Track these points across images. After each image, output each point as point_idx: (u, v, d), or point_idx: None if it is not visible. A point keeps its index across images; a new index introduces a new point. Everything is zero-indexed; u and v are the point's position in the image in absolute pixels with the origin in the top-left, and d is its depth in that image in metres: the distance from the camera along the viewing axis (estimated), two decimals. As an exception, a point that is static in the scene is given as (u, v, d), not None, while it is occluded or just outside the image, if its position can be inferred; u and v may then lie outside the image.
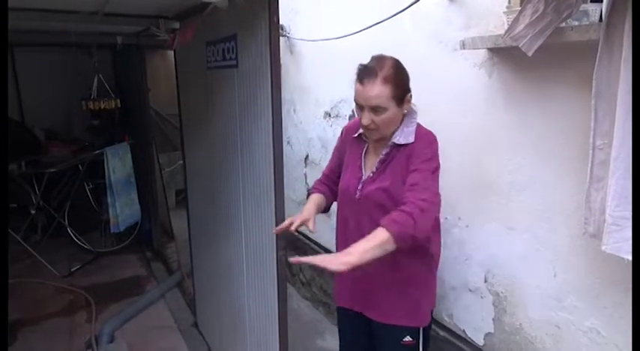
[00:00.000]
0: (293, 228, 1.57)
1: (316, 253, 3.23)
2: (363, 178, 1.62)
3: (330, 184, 1.80)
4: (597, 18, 1.38)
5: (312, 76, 2.98)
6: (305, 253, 3.21)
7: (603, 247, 1.25)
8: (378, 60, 1.53)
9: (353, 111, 2.66)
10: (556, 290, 1.60)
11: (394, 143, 1.55)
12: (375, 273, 1.60)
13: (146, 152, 4.28)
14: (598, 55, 1.23)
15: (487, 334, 1.89)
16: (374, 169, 1.60)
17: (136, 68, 4.08)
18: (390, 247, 1.35)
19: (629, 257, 1.18)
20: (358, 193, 1.61)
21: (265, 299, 2.01)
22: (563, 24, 1.35)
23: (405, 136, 1.54)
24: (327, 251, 2.80)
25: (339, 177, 1.76)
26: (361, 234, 1.44)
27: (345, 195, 1.67)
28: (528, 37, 1.39)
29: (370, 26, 2.25)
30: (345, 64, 2.70)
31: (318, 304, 3.33)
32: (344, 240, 1.67)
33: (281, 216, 1.76)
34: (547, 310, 1.63)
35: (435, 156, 1.53)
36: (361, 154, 1.65)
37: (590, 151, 1.30)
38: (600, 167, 1.28)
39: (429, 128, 1.60)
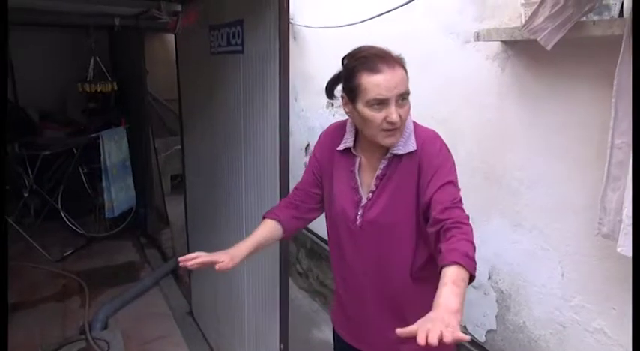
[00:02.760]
0: (191, 263, 1.28)
1: (318, 246, 3.21)
2: (363, 201, 1.35)
3: (301, 208, 1.48)
4: (617, 12, 1.35)
5: (316, 64, 2.93)
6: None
7: (619, 249, 1.22)
8: (370, 48, 1.29)
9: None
10: (563, 289, 1.58)
11: (393, 154, 1.29)
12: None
13: (143, 137, 4.21)
14: (621, 51, 1.20)
15: (489, 331, 1.87)
16: (372, 188, 1.33)
17: (135, 51, 4.00)
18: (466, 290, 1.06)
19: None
20: (359, 220, 1.35)
21: (266, 289, 1.98)
22: (584, 18, 1.32)
23: (404, 143, 1.29)
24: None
25: (318, 200, 1.48)
26: (363, 266, 1.34)
27: (340, 223, 1.39)
28: (547, 30, 1.35)
29: (379, 15, 2.20)
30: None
31: (314, 294, 3.32)
32: (341, 276, 1.48)
33: (284, 191, 1.72)
34: (553, 309, 1.61)
35: (451, 162, 1.30)
36: (353, 171, 1.36)
37: (608, 151, 1.27)
38: (618, 167, 1.25)
39: (434, 123, 1.44)
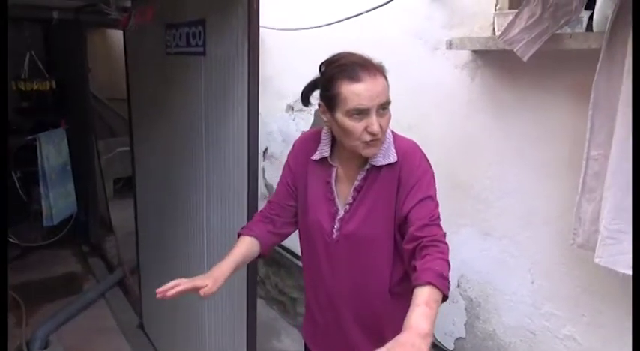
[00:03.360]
0: (172, 292, 1.18)
1: (276, 253, 3.12)
2: (340, 214, 1.29)
3: (277, 222, 1.40)
4: (585, 26, 1.38)
5: (275, 66, 2.84)
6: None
7: (597, 260, 1.24)
8: (350, 54, 1.24)
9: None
10: (533, 297, 1.60)
11: (372, 165, 1.24)
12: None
13: (84, 139, 3.95)
14: (598, 64, 1.21)
15: (458, 339, 1.88)
16: (350, 200, 1.28)
17: (75, 47, 3.73)
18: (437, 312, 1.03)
19: (627, 271, 1.18)
20: (335, 233, 1.29)
21: (231, 302, 1.88)
22: (560, 31, 1.33)
23: (384, 154, 1.24)
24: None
25: (294, 213, 1.40)
26: (339, 280, 1.30)
27: (315, 236, 1.33)
28: (524, 41, 1.36)
29: (344, 19, 2.16)
30: (314, 56, 2.57)
31: (272, 302, 3.23)
32: (314, 289, 1.42)
33: (253, 209, 1.64)
34: (523, 317, 1.63)
35: (430, 175, 1.26)
36: (330, 182, 1.31)
37: (584, 162, 1.29)
38: (593, 178, 1.28)
39: (400, 129, 1.37)
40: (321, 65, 1.28)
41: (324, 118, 1.26)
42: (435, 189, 1.25)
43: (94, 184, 4.08)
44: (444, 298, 1.05)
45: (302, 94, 1.36)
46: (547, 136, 1.51)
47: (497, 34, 1.50)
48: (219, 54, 1.72)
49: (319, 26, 2.36)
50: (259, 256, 1.39)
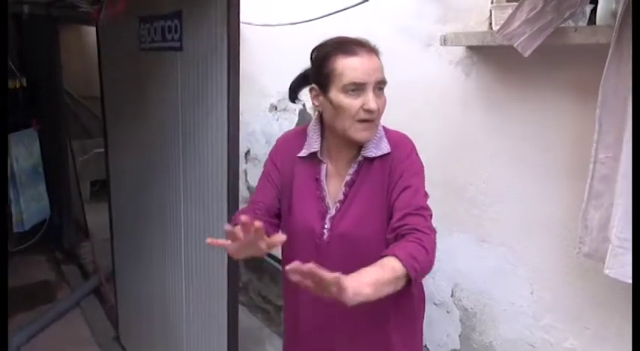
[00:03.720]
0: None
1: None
2: (330, 212, 1.21)
3: (268, 219, 1.25)
4: (587, 20, 1.29)
5: (258, 63, 2.72)
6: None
7: (607, 271, 1.15)
8: (343, 36, 1.20)
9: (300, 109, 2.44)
10: (533, 308, 1.51)
11: (364, 157, 1.19)
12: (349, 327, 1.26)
13: (57, 139, 3.77)
14: (607, 61, 1.12)
15: (452, 351, 1.78)
16: (340, 197, 1.21)
17: (48, 44, 3.56)
18: (399, 286, 0.99)
19: None
20: (326, 234, 1.20)
21: (210, 310, 1.76)
22: (563, 24, 1.24)
23: (376, 145, 1.19)
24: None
25: (277, 214, 1.29)
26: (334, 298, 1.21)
27: (301, 239, 1.22)
28: (525, 36, 1.26)
29: (331, 13, 2.04)
30: (297, 53, 2.45)
31: (255, 309, 3.11)
32: (295, 300, 1.31)
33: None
34: (522, 329, 1.54)
35: (419, 166, 1.21)
36: (319, 179, 1.23)
37: (591, 165, 1.20)
38: (601, 182, 1.19)
39: (396, 128, 1.31)
40: (312, 51, 1.23)
41: (316, 103, 1.20)
42: (424, 181, 1.20)
43: (68, 186, 3.91)
44: (409, 282, 0.99)
45: (290, 88, 1.31)
46: (548, 136, 1.42)
47: (496, 28, 1.41)
48: (196, 49, 1.60)
49: (303, 21, 2.25)
50: None
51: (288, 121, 2.55)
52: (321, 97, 1.18)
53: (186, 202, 1.80)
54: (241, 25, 2.70)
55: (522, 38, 1.26)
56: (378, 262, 0.99)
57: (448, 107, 1.68)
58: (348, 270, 1.14)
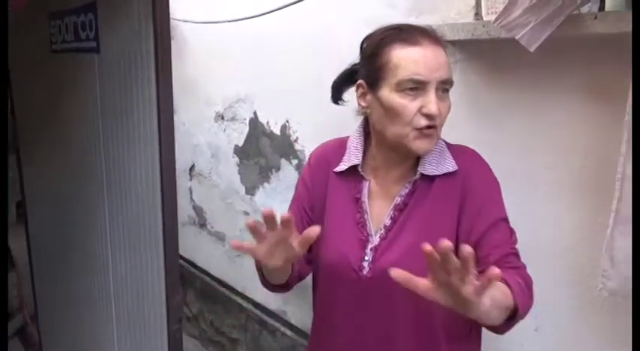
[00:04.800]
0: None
1: (210, 286, 2.66)
2: (373, 240, 0.99)
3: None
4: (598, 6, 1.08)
5: (201, 68, 2.39)
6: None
7: (648, 317, 0.93)
8: (405, 24, 0.99)
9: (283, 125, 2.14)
10: (538, 347, 1.30)
11: (422, 174, 0.97)
12: None
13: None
14: (639, 54, 0.90)
15: (441, 395, 1.54)
16: (387, 222, 0.99)
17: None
18: (503, 317, 0.83)
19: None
20: (367, 267, 0.98)
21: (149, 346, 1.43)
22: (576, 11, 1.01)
23: (437, 160, 0.98)
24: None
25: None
26: (371, 335, 0.95)
27: (335, 274, 1.01)
28: (530, 26, 1.02)
29: (285, 6, 1.77)
30: (247, 54, 2.13)
31: (207, 343, 2.78)
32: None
33: (173, 263, 1.19)
34: (526, 371, 1.32)
35: (501, 193, 1.02)
36: (360, 199, 1.01)
37: (618, 183, 0.97)
38: (631, 204, 0.97)
39: None
40: (363, 41, 1.03)
41: (363, 104, 1.00)
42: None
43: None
44: (512, 318, 0.85)
45: (333, 86, 1.09)
46: (551, 147, 1.20)
47: (487, 18, 1.18)
48: (117, 50, 1.27)
49: (251, 17, 1.96)
50: (285, 285, 1.03)
51: (237, 132, 2.24)
52: (369, 96, 0.98)
53: (112, 232, 1.47)
54: (180, 23, 2.40)
55: (526, 29, 1.02)
56: (497, 285, 0.80)
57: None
58: (397, 315, 0.97)
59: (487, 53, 1.28)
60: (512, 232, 0.98)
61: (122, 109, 1.27)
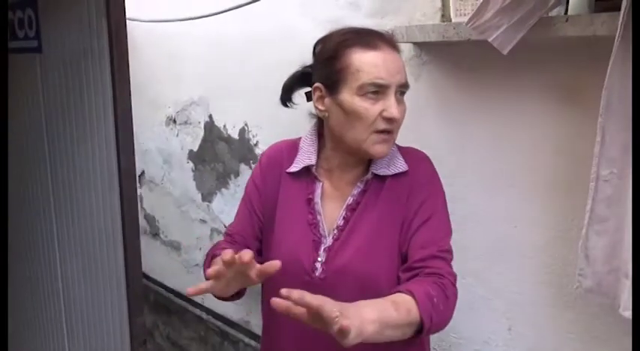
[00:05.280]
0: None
1: (164, 298, 2.53)
2: (326, 241, 0.98)
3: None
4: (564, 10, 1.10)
5: (148, 69, 2.27)
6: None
7: (627, 313, 0.94)
8: (363, 27, 0.99)
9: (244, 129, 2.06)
10: (510, 347, 1.30)
11: (374, 174, 0.98)
12: None
13: None
14: (612, 57, 0.91)
15: (414, 399, 1.52)
16: (340, 223, 0.98)
17: None
18: (408, 334, 0.82)
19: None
20: (320, 268, 0.97)
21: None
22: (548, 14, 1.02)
23: (389, 161, 0.99)
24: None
25: (259, 249, 1.06)
26: (321, 342, 0.90)
27: (288, 275, 0.94)
28: (502, 28, 1.02)
29: (238, 6, 1.69)
30: (201, 55, 2.05)
31: (163, 358, 2.64)
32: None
33: (136, 280, 1.10)
34: (499, 371, 1.33)
35: (443, 195, 1.03)
36: (313, 200, 1.00)
37: (592, 184, 0.99)
38: (605, 204, 0.98)
39: None
40: (317, 43, 1.02)
41: (320, 107, 0.98)
42: (447, 213, 1.02)
43: None
44: (420, 330, 0.83)
45: (284, 88, 1.07)
46: (521, 148, 1.20)
47: (456, 20, 1.17)
48: (63, 49, 1.16)
49: (201, 16, 1.87)
50: (237, 294, 0.97)
51: (191, 137, 2.14)
52: (327, 100, 0.96)
53: (63, 257, 1.34)
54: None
55: (499, 31, 1.02)
56: (391, 297, 0.83)
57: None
58: None
59: (455, 55, 1.28)
60: (445, 230, 0.99)
61: (71, 112, 1.16)
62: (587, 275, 1.03)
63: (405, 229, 0.97)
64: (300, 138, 1.08)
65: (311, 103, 1.02)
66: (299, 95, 1.08)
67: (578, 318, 1.17)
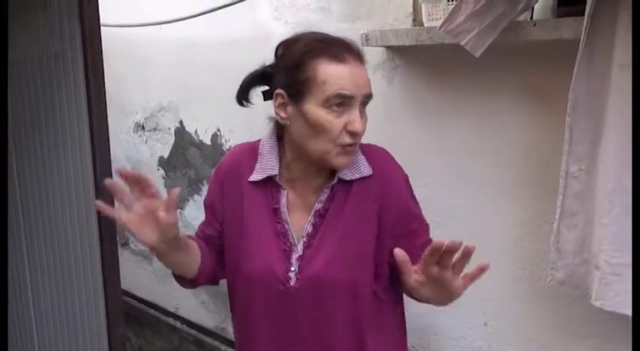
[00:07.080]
0: (130, 175, 0.84)
1: (135, 309, 2.46)
2: (297, 249, 0.96)
3: (213, 249, 1.05)
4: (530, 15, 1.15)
5: (115, 74, 2.20)
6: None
7: (597, 303, 0.99)
8: (323, 33, 0.96)
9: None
10: (487, 342, 1.34)
11: (339, 179, 0.96)
12: None
13: None
14: (578, 59, 0.96)
15: (395, 398, 1.54)
16: (309, 229, 0.97)
17: None
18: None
19: None
20: (293, 278, 0.95)
21: None
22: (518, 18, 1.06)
23: (353, 165, 0.97)
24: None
25: (221, 253, 1.05)
26: (300, 346, 0.93)
27: (260, 287, 0.98)
28: (474, 32, 1.06)
29: (208, 11, 1.69)
30: (170, 60, 2.02)
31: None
32: None
33: (114, 291, 1.07)
34: (476, 366, 1.36)
35: (408, 184, 1.04)
36: (279, 209, 0.98)
37: (562, 180, 1.03)
38: (575, 200, 1.03)
39: None
40: (279, 46, 0.98)
41: (282, 115, 0.95)
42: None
43: None
44: None
45: (242, 86, 1.03)
46: (494, 148, 1.25)
47: (428, 24, 1.20)
48: (30, 53, 1.12)
49: (171, 21, 1.86)
50: (194, 280, 1.02)
51: (161, 143, 2.11)
52: (290, 108, 0.93)
53: (34, 269, 1.29)
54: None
55: (471, 35, 1.05)
56: None
57: (370, 120, 1.43)
58: (328, 322, 0.96)
59: (428, 58, 1.31)
60: (427, 224, 1.06)
61: (40, 118, 1.12)
62: (560, 268, 1.08)
63: (390, 231, 0.97)
64: (259, 141, 1.05)
65: (269, 103, 0.99)
66: (255, 94, 1.04)
67: (551, 310, 1.22)
